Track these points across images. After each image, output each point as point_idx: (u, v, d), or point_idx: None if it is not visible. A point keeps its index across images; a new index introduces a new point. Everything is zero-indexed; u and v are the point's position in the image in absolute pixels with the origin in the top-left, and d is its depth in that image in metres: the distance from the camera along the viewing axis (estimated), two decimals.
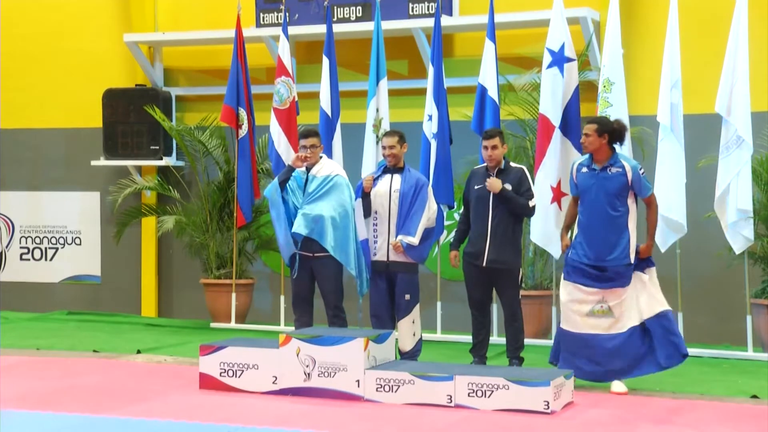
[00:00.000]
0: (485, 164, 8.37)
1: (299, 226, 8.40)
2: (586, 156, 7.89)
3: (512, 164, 8.41)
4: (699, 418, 6.84)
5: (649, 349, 7.64)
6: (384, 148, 8.48)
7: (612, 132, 7.76)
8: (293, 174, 8.62)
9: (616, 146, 7.80)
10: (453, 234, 8.76)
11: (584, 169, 7.81)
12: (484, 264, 8.23)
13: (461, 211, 8.58)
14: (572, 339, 7.72)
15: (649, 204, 7.82)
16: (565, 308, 7.78)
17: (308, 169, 8.59)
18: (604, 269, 7.62)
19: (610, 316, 7.63)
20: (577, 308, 7.70)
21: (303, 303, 8.67)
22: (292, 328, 8.62)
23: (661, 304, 7.67)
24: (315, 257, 8.48)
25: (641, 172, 7.72)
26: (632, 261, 7.62)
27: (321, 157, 8.63)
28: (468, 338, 8.59)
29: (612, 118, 8.28)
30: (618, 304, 7.61)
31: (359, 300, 9.31)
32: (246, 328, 11.25)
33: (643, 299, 7.64)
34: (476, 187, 8.33)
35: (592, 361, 7.64)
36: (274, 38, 11.44)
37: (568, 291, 7.76)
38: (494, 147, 8.24)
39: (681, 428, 6.52)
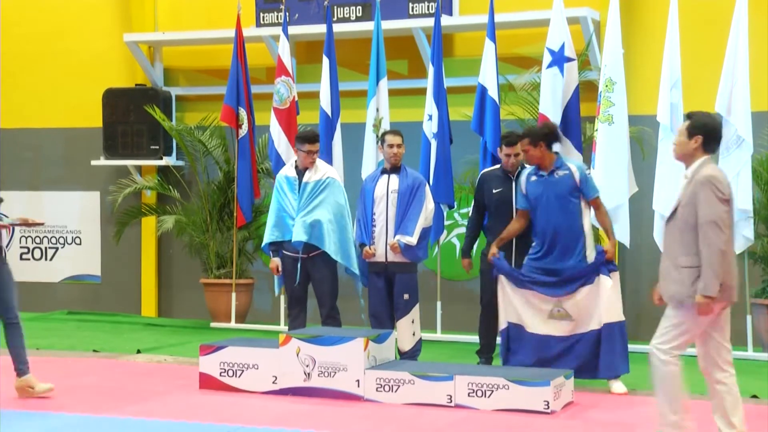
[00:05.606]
0: (499, 166, 8.34)
1: (299, 234, 8.40)
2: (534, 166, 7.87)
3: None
4: (699, 418, 6.83)
5: (594, 356, 7.63)
6: (391, 146, 8.42)
7: (545, 137, 7.74)
8: (284, 177, 8.61)
9: (557, 147, 7.82)
10: (457, 235, 8.70)
11: (533, 178, 7.82)
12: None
13: (470, 215, 8.53)
14: (528, 338, 7.71)
15: (597, 207, 7.80)
16: (522, 311, 7.73)
17: (300, 174, 8.56)
18: (559, 273, 7.61)
19: (568, 320, 7.65)
20: (535, 312, 7.71)
21: (298, 303, 8.67)
22: None
23: (618, 315, 7.65)
24: (309, 257, 8.48)
25: (587, 172, 7.75)
26: (589, 261, 7.64)
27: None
28: (468, 338, 8.59)
29: (553, 121, 8.26)
30: (574, 305, 7.63)
31: (360, 301, 9.30)
32: (246, 328, 11.25)
33: (603, 304, 7.61)
34: (495, 191, 8.29)
35: (542, 360, 7.61)
36: (274, 38, 11.43)
37: (525, 299, 7.71)
38: (519, 153, 8.07)
39: None
